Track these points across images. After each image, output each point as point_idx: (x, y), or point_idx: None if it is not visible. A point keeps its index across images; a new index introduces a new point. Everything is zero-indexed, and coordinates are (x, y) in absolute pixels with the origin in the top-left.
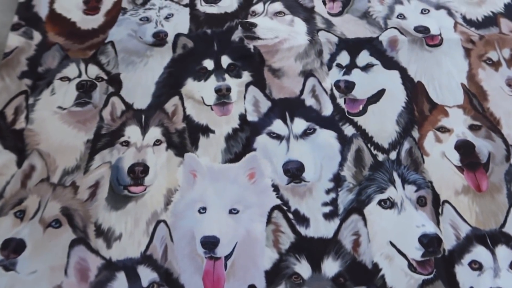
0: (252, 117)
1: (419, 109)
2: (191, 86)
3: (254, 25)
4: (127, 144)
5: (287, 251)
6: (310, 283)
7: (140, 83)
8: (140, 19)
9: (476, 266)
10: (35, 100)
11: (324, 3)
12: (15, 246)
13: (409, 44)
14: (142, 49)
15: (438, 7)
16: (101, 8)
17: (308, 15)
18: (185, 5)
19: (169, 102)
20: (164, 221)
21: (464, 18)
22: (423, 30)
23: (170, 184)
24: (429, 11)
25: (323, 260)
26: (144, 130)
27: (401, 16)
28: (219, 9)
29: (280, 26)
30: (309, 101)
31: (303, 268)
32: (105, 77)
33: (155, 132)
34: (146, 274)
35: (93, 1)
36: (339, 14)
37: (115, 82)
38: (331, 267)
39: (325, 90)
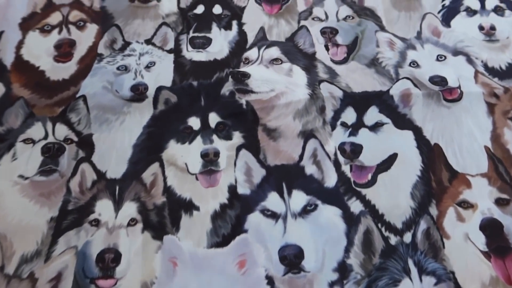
0: (243, 189)
1: (437, 178)
2: (173, 149)
3: (247, 75)
4: (97, 223)
5: None
6: None
7: (115, 146)
8: (118, 68)
9: None
10: None
11: (327, 48)
12: None
13: (424, 98)
14: (118, 105)
15: (456, 52)
16: (74, 54)
17: (308, 62)
18: (169, 51)
19: (148, 171)
20: None
21: (485, 66)
22: (439, 81)
23: (145, 276)
24: (445, 57)
25: None
26: (117, 206)
27: (414, 63)
28: (208, 55)
29: (276, 76)
30: (310, 169)
31: None
32: (75, 138)
33: (130, 209)
34: None
35: (66, 45)
36: (344, 61)
37: (86, 144)
38: None
39: (328, 155)
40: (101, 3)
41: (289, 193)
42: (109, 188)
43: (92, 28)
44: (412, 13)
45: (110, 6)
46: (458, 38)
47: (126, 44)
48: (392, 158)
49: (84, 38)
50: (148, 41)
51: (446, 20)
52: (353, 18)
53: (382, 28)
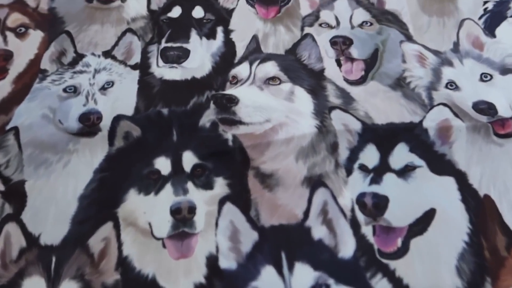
0: (227, 261)
1: (491, 245)
2: (134, 203)
3: (234, 101)
4: None
5: None
6: None
7: (54, 198)
8: (65, 90)
9: None
10: None
11: (339, 64)
12: None
13: (468, 133)
14: (61, 141)
15: (505, 70)
16: (10, 70)
17: (315, 83)
18: (134, 66)
19: (97, 234)
20: None
21: None
22: (486, 109)
23: None
24: (491, 77)
25: None
26: (52, 286)
27: (452, 84)
28: (184, 73)
29: (273, 101)
30: (318, 231)
31: None
32: (1, 187)
33: None
34: None
35: (0, 58)
36: (361, 81)
37: (16, 195)
38: None
39: (342, 211)
40: (50, 4)
41: (290, 268)
42: (42, 259)
43: (36, 36)
44: (446, 19)
45: (60, 8)
46: (507, 51)
47: (79, 57)
48: (429, 215)
49: (25, 49)
50: (107, 53)
51: (490, 28)
52: (371, 24)
53: (409, 38)
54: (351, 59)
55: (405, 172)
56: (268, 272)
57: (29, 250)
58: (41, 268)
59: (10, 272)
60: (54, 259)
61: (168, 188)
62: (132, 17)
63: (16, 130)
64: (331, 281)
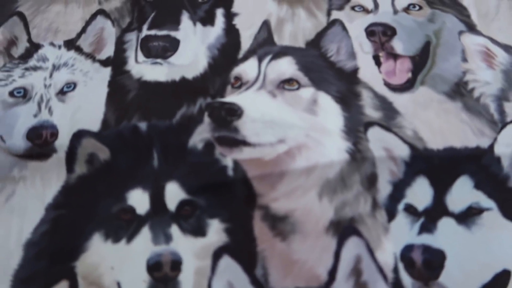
0: None
1: None
2: (98, 254)
3: (236, 112)
4: None
5: None
6: None
7: None
8: (12, 93)
9: None
10: None
11: (377, 61)
12: None
13: None
14: (3, 165)
15: None
16: None
17: (346, 88)
18: (105, 62)
19: None
20: None
21: None
22: None
23: None
24: None
25: None
26: None
27: None
28: (171, 71)
29: (290, 114)
30: None
31: None
32: None
33: None
34: None
35: None
36: (408, 86)
37: None
38: None
39: (381, 271)
40: None
41: None
42: None
43: None
44: None
45: None
46: None
47: (33, 47)
48: (501, 280)
49: None
50: (71, 44)
51: None
52: (420, 8)
53: (471, 28)
54: (394, 56)
55: (468, 216)
56: None
57: None
58: None
59: None
60: None
61: (145, 233)
62: None
63: None
64: None
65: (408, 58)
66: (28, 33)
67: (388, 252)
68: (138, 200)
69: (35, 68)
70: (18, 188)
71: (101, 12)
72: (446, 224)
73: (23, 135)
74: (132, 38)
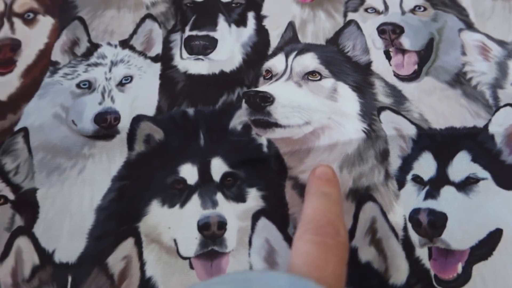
0: None
1: None
2: (156, 217)
3: (269, 99)
4: None
5: None
6: None
7: (69, 210)
8: (78, 85)
9: None
10: None
11: (388, 56)
12: None
13: None
14: (75, 145)
15: None
16: (18, 62)
17: (361, 78)
18: (155, 58)
19: (117, 253)
20: None
21: None
22: None
23: None
24: None
25: None
26: None
27: None
28: (211, 65)
29: (314, 100)
30: (366, 253)
31: None
32: (11, 196)
33: None
34: None
35: (7, 49)
36: (415, 77)
37: (27, 206)
38: None
39: (393, 230)
40: None
41: None
42: (57, 279)
43: (46, 23)
44: None
45: None
46: None
47: (93, 47)
48: (494, 237)
49: (34, 38)
50: (125, 43)
51: None
52: (425, 9)
53: (470, 26)
54: (402, 51)
55: (466, 185)
56: None
57: (43, 268)
58: None
59: None
60: (70, 279)
61: (195, 200)
62: (151, 0)
63: (25, 131)
64: None
65: (414, 52)
66: (88, 35)
67: (398, 215)
68: (188, 172)
69: (96, 64)
70: (88, 163)
71: (149, 16)
72: (447, 192)
73: (91, 120)
74: (176, 38)
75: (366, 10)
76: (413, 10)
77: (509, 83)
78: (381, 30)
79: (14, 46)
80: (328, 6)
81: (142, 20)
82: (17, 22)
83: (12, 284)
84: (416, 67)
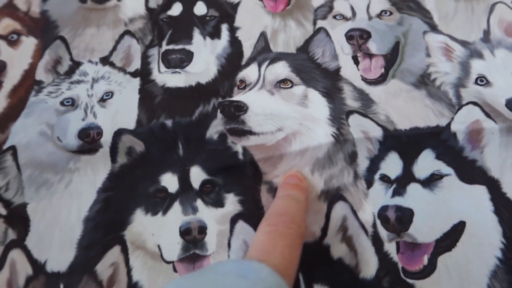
0: None
1: None
2: (141, 224)
3: (242, 108)
4: None
5: None
6: None
7: (58, 222)
8: (62, 103)
9: None
10: None
11: (356, 61)
12: None
13: (502, 135)
14: (61, 160)
15: None
16: (3, 82)
17: (330, 84)
18: (134, 73)
19: (105, 259)
20: None
21: None
22: None
23: None
24: None
25: None
26: None
27: (483, 80)
28: (188, 78)
29: (285, 107)
30: (338, 250)
31: None
32: (3, 211)
33: None
34: None
35: None
36: (381, 80)
37: (18, 220)
38: None
39: (363, 226)
40: (42, 6)
41: None
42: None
43: (29, 43)
44: (475, 4)
45: (53, 10)
46: None
47: (75, 64)
48: (458, 229)
49: (18, 58)
50: (105, 60)
51: None
52: (391, 14)
53: (434, 28)
54: (370, 55)
55: (431, 181)
56: None
57: (36, 278)
58: None
59: None
60: (62, 287)
61: (177, 207)
62: (129, 17)
63: (13, 149)
64: None
65: (381, 56)
66: (70, 53)
67: (368, 212)
68: (169, 181)
69: (78, 82)
70: (74, 177)
71: (127, 32)
72: (413, 188)
73: (75, 135)
74: (154, 53)
75: (334, 17)
76: (379, 15)
77: (471, 82)
78: (349, 36)
79: (0, 67)
80: (298, 14)
81: (121, 36)
82: (1, 43)
83: None
84: (383, 70)
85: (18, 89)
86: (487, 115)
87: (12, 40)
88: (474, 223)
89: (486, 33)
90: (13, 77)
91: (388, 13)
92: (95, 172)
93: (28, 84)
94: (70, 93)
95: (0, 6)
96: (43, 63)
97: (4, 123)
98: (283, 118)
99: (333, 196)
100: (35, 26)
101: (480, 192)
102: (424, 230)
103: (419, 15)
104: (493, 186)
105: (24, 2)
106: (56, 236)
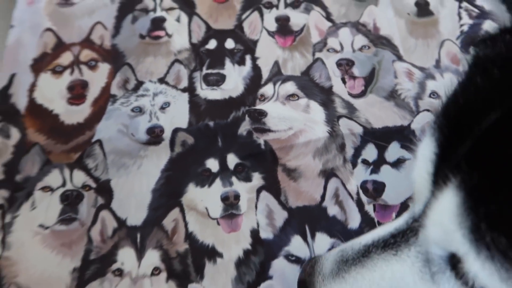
0: (266, 233)
1: None
2: (193, 193)
3: (263, 114)
4: (120, 273)
5: None
6: None
7: (133, 192)
8: (132, 110)
9: None
10: (13, 217)
11: (344, 81)
12: None
13: None
14: (135, 149)
15: None
16: (87, 96)
17: (325, 97)
18: (183, 90)
19: (168, 217)
20: None
21: None
22: None
23: None
24: None
25: None
26: (140, 254)
27: (434, 94)
28: (223, 93)
29: (294, 113)
30: (332, 210)
31: None
32: (94, 185)
33: (153, 257)
34: None
35: (78, 87)
36: (362, 94)
37: (105, 191)
38: None
39: (350, 194)
40: (112, 41)
41: (313, 236)
42: (130, 236)
43: (104, 68)
44: (430, 41)
45: (120, 44)
46: None
47: (139, 83)
48: None
49: (97, 79)
50: (161, 80)
51: (466, 46)
52: (369, 48)
53: (400, 58)
54: (354, 77)
55: (397, 164)
56: (296, 240)
57: (120, 229)
58: (130, 242)
59: (107, 245)
60: (139, 235)
61: (218, 182)
62: (177, 49)
63: (100, 142)
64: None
65: (362, 78)
66: (135, 75)
67: (353, 185)
68: (212, 164)
69: (142, 95)
70: (144, 161)
71: (176, 60)
72: (385, 169)
73: (144, 132)
74: (197, 75)
75: (328, 50)
76: (360, 49)
77: (426, 96)
78: (339, 64)
79: (84, 85)
80: (301, 48)
81: (172, 63)
82: (83, 68)
83: (101, 240)
84: (363, 88)
85: (98, 100)
86: None
87: (91, 65)
88: None
89: (438, 61)
90: (94, 92)
91: (367, 47)
92: (159, 158)
93: (106, 97)
94: (137, 103)
95: (80, 41)
96: (115, 82)
97: (91, 124)
98: (292, 120)
99: (328, 174)
100: (107, 55)
101: None
102: (393, 196)
103: (389, 48)
104: None
105: (98, 37)
106: (133, 202)
